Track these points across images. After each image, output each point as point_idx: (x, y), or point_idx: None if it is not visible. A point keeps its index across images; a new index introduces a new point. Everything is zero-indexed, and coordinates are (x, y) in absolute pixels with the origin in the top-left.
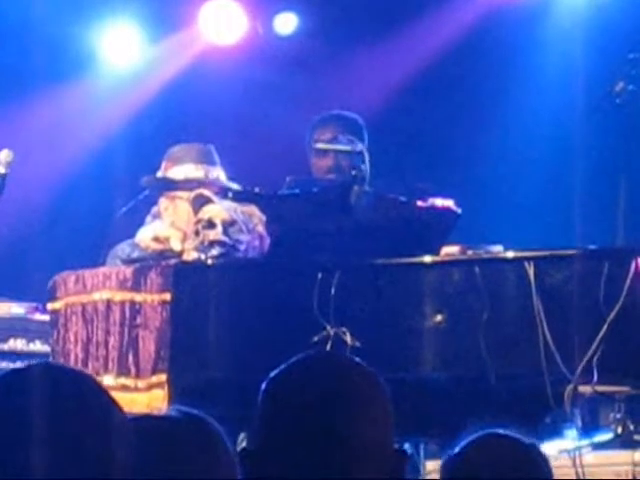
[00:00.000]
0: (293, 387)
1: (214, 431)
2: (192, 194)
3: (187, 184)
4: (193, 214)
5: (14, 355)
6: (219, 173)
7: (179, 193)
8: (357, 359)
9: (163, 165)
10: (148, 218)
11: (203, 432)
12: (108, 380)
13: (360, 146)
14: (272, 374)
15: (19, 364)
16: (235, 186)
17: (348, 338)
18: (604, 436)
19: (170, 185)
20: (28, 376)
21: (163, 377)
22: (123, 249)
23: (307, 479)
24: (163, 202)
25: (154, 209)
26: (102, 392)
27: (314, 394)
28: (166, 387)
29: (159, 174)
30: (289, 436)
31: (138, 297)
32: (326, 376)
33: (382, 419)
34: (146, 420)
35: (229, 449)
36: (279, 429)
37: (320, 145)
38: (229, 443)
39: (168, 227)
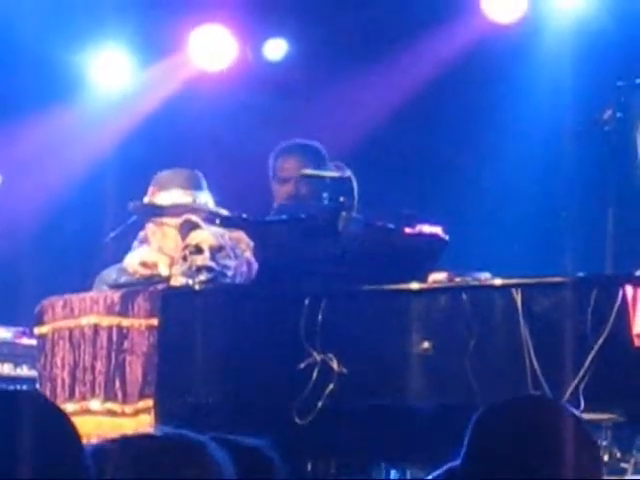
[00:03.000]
0: (503, 420)
1: (199, 448)
2: (180, 220)
3: (174, 210)
4: (181, 240)
5: (1, 379)
6: (207, 199)
7: (166, 219)
8: (567, 406)
9: (150, 190)
10: (135, 243)
11: (186, 450)
12: (95, 405)
13: (348, 172)
14: (490, 405)
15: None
16: (223, 211)
17: (335, 365)
18: None
19: (157, 211)
20: None
21: (150, 402)
22: (110, 274)
23: None
24: (150, 227)
25: (141, 234)
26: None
27: (521, 432)
28: (153, 412)
29: (146, 199)
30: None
31: (125, 322)
32: (535, 416)
33: (585, 465)
34: (133, 440)
35: (215, 465)
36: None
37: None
38: (217, 459)
39: (156, 252)
